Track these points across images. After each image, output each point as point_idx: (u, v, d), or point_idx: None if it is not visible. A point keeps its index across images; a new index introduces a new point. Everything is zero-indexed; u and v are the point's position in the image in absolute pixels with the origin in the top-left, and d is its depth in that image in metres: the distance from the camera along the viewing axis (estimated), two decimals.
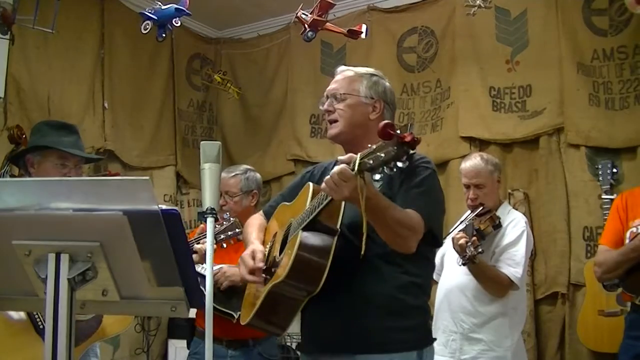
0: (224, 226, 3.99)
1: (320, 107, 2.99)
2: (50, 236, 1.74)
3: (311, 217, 2.59)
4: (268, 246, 2.95)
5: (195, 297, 1.89)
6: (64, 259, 1.73)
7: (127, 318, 3.83)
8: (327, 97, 2.94)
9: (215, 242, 3.86)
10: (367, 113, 2.88)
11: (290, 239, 2.73)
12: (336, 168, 2.38)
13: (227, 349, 4.13)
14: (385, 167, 2.18)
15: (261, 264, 2.75)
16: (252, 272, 2.76)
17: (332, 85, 2.96)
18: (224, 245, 4.02)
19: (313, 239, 2.59)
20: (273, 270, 2.77)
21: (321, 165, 3.19)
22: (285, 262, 2.62)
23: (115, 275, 1.79)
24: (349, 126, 2.87)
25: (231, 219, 4.02)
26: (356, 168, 2.25)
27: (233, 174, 4.37)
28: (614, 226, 3.89)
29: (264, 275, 2.76)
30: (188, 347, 4.58)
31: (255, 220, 3.18)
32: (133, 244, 1.74)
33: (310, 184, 2.82)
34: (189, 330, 4.48)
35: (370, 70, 3.01)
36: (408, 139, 2.13)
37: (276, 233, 2.99)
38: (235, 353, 4.13)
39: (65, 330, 1.71)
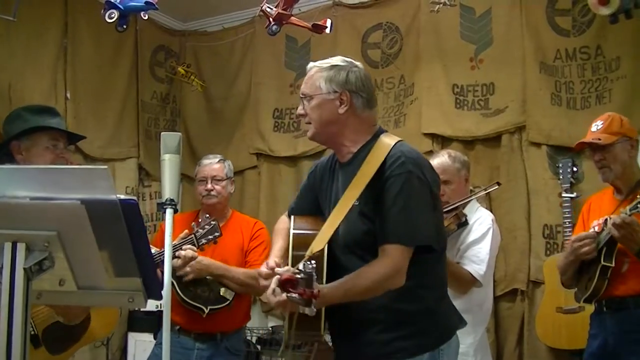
0: (205, 230, 4.03)
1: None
2: (6, 225, 1.72)
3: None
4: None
5: (153, 288, 1.89)
6: (21, 248, 1.71)
7: (112, 322, 3.85)
8: (302, 100, 2.92)
9: (197, 246, 3.97)
10: (335, 108, 2.81)
11: None
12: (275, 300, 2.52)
13: (195, 342, 4.20)
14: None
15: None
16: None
17: (302, 86, 2.93)
18: (203, 248, 4.09)
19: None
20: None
21: (321, 163, 3.14)
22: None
23: (72, 265, 1.78)
24: (320, 127, 2.86)
25: (211, 222, 4.05)
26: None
27: (218, 159, 4.45)
28: (577, 231, 4.01)
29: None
30: (154, 338, 4.63)
31: (282, 225, 3.17)
32: (91, 234, 1.73)
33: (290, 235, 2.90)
34: (156, 322, 4.50)
35: (333, 60, 2.90)
36: (308, 295, 2.25)
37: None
38: (202, 346, 4.19)
39: (20, 320, 1.69)
